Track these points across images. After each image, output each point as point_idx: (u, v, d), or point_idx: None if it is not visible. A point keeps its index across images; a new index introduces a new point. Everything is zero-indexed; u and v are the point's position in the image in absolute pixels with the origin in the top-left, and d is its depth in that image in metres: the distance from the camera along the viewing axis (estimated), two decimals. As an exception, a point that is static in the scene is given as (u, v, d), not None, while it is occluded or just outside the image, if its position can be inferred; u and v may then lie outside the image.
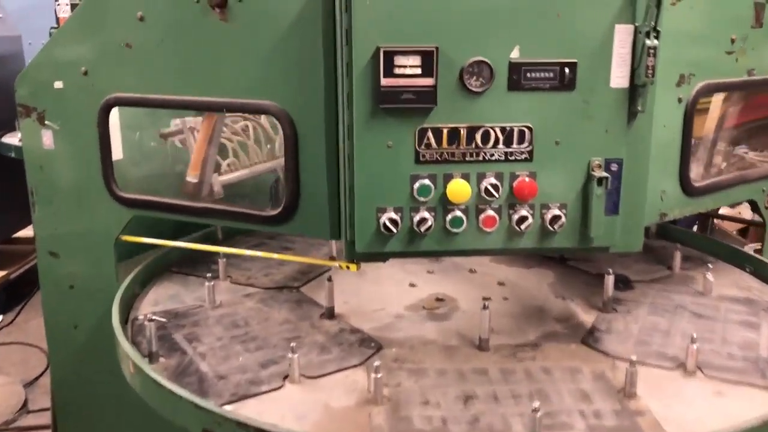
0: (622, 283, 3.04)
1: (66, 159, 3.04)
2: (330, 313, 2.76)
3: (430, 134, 2.23)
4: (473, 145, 2.25)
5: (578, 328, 2.68)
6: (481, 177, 2.27)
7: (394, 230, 2.25)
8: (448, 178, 2.27)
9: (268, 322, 2.72)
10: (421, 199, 2.27)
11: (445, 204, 2.29)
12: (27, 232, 6.68)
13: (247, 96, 2.59)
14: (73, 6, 6.11)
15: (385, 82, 2.15)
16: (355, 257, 2.38)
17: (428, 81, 2.17)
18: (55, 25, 6.23)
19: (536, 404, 1.95)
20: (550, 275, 3.17)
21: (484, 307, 2.49)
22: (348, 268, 2.61)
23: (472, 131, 2.24)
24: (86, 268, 3.14)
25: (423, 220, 2.27)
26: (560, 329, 2.67)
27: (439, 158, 2.26)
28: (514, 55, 2.19)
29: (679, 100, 2.63)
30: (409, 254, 2.37)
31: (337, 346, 2.54)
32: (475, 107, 2.22)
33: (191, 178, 3.04)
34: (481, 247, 2.35)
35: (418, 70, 2.16)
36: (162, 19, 2.67)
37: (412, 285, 3.03)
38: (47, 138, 3.04)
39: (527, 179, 2.27)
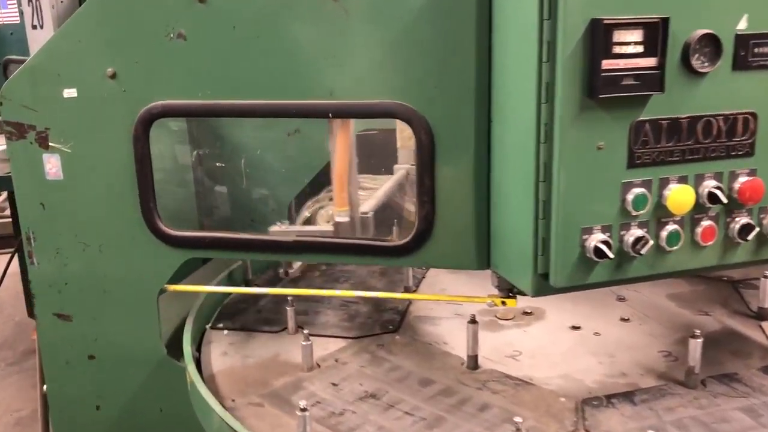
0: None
1: (82, 191, 2.29)
2: (473, 363, 2.21)
3: (648, 129, 1.75)
4: (693, 141, 1.79)
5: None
6: (699, 179, 1.82)
7: (610, 255, 1.75)
8: (663, 183, 1.80)
9: (405, 384, 2.12)
10: (634, 212, 1.78)
11: (659, 217, 1.82)
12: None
13: (367, 96, 1.99)
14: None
15: (606, 64, 1.65)
16: (544, 293, 1.85)
17: (650, 61, 1.69)
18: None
19: None
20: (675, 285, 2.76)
21: (694, 336, 2.04)
22: (504, 303, 2.08)
23: (693, 122, 1.78)
24: (116, 331, 2.40)
25: (639, 240, 1.78)
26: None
27: (655, 159, 1.78)
28: (742, 25, 1.76)
29: None
30: (613, 283, 1.87)
31: (527, 409, 1.99)
32: (696, 93, 1.76)
33: (342, 217, 2.25)
34: (695, 266, 1.89)
35: (640, 48, 1.67)
36: (236, 3, 2.01)
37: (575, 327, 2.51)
38: (52, 165, 2.28)
39: (750, 179, 1.84)
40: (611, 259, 1.76)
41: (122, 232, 2.28)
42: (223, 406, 1.96)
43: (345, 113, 2.02)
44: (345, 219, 2.20)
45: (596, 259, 1.76)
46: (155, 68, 2.11)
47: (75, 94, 2.19)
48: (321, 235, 2.18)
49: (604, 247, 1.75)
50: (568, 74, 1.66)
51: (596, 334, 2.43)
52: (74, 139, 2.24)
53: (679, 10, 1.68)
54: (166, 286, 2.32)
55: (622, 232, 1.79)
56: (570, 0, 1.62)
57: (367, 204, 2.31)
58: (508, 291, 2.05)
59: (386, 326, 2.48)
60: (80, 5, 4.02)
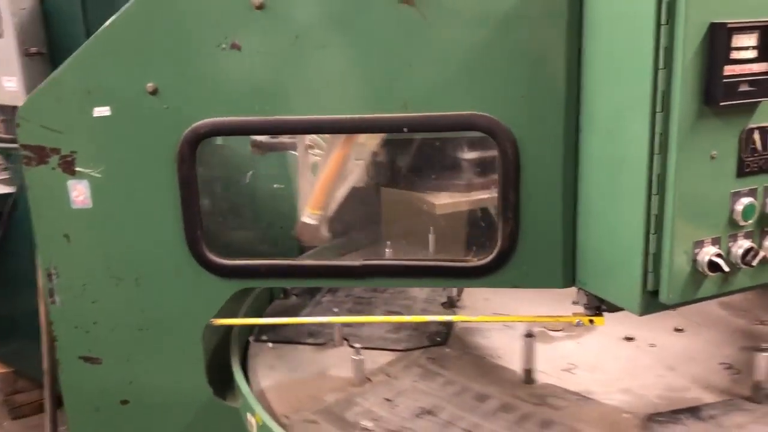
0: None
1: (115, 220, 2.06)
2: (529, 377, 2.11)
3: (756, 137, 1.69)
4: (794, 146, 1.75)
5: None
6: (795, 186, 1.78)
7: (725, 268, 1.68)
8: (767, 192, 1.74)
9: (462, 400, 2.02)
10: (743, 222, 1.72)
11: (762, 226, 1.76)
12: None
13: (444, 107, 1.85)
14: None
15: (729, 70, 1.57)
16: (651, 311, 1.76)
17: (764, 66, 1.62)
18: None
19: None
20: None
21: (761, 349, 1.99)
22: (592, 322, 1.98)
23: (795, 128, 1.73)
24: (154, 373, 2.17)
25: (749, 251, 1.72)
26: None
27: (762, 167, 1.72)
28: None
29: None
30: (718, 296, 1.80)
31: (591, 426, 1.90)
32: (801, 98, 1.71)
33: (310, 218, 2.20)
34: (791, 275, 1.85)
35: (754, 53, 1.61)
36: (298, 9, 1.84)
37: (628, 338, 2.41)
38: (79, 192, 2.04)
39: None
40: (725, 272, 1.69)
41: (163, 263, 2.06)
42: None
43: (421, 127, 1.88)
44: (313, 222, 2.14)
45: (709, 273, 1.69)
46: (204, 82, 1.91)
47: (108, 113, 1.96)
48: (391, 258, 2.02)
49: (719, 261, 1.68)
50: (688, 81, 1.57)
51: (652, 345, 2.37)
52: (106, 163, 2.01)
53: (792, 12, 1.63)
54: (212, 320, 2.11)
55: (730, 244, 1.73)
56: (691, 3, 1.53)
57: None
58: (596, 309, 1.96)
59: (434, 338, 2.36)
60: (43, 14, 3.79)
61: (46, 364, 2.50)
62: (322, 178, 2.14)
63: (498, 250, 1.92)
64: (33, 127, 2.00)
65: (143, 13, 1.90)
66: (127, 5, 1.91)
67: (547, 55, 1.79)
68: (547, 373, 2.17)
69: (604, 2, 1.71)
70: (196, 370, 2.14)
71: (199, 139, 1.93)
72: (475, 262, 1.95)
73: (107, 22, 1.92)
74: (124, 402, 2.20)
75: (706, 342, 2.38)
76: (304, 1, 1.83)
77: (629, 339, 2.40)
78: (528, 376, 2.12)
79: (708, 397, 2.04)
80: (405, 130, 1.87)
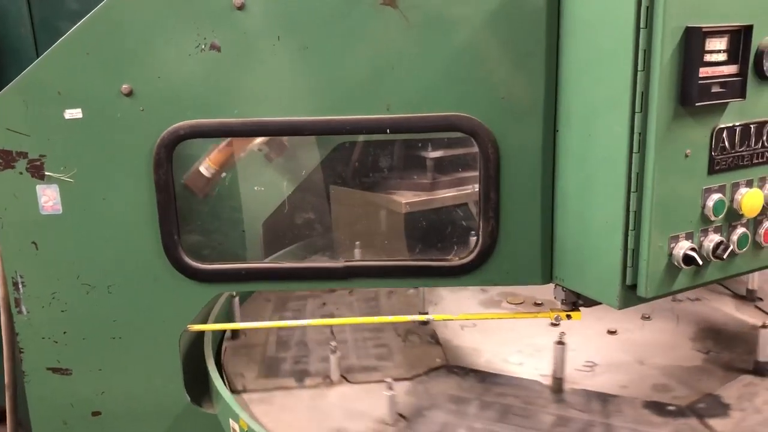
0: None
1: (87, 225, 1.99)
2: (558, 386, 2.12)
3: (725, 136, 1.78)
4: (760, 145, 1.84)
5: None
6: (762, 182, 1.88)
7: (699, 261, 1.76)
8: (734, 188, 1.83)
9: (510, 422, 1.96)
10: (713, 218, 1.80)
11: (730, 221, 1.85)
12: None
13: (427, 109, 1.87)
14: None
15: (703, 72, 1.65)
16: (630, 304, 1.83)
17: (733, 68, 1.71)
18: None
19: None
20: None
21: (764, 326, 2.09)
22: (569, 317, 2.04)
23: (760, 127, 1.83)
24: (128, 382, 2.11)
25: (719, 245, 1.80)
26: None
27: (730, 165, 1.81)
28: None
29: None
30: (688, 288, 1.88)
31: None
32: (763, 98, 1.81)
33: (206, 170, 2.21)
34: (756, 266, 1.95)
35: (724, 56, 1.69)
36: (279, 10, 1.83)
37: (610, 332, 2.47)
38: (49, 197, 1.97)
39: (803, 179, 1.92)
40: (699, 265, 1.76)
41: (138, 269, 2.01)
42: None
43: (404, 128, 1.90)
44: (208, 174, 2.20)
45: (684, 266, 1.76)
46: (182, 84, 1.88)
47: (80, 115, 1.90)
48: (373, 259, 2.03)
49: (694, 254, 1.75)
50: (665, 83, 1.64)
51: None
52: (78, 166, 1.95)
53: (759, 17, 1.71)
54: (189, 326, 2.07)
55: (702, 238, 1.81)
56: (669, 8, 1.60)
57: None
58: (573, 304, 2.02)
59: (434, 360, 2.32)
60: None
61: (7, 378, 2.40)
62: (235, 141, 2.17)
63: (479, 248, 1.95)
64: (-3, 130, 1.92)
65: (118, 11, 1.85)
66: (101, 3, 1.85)
67: (526, 57, 1.83)
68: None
69: (583, 6, 1.77)
70: (172, 378, 2.09)
71: (177, 141, 1.90)
72: (456, 261, 1.98)
73: (81, 21, 1.86)
74: (96, 413, 2.13)
75: (673, 330, 2.47)
76: (287, 1, 1.82)
77: (612, 333, 2.46)
78: (557, 385, 2.11)
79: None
80: (387, 131, 1.88)
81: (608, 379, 2.20)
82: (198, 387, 2.20)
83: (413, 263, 2.00)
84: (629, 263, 1.77)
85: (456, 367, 2.28)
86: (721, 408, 2.01)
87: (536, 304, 2.70)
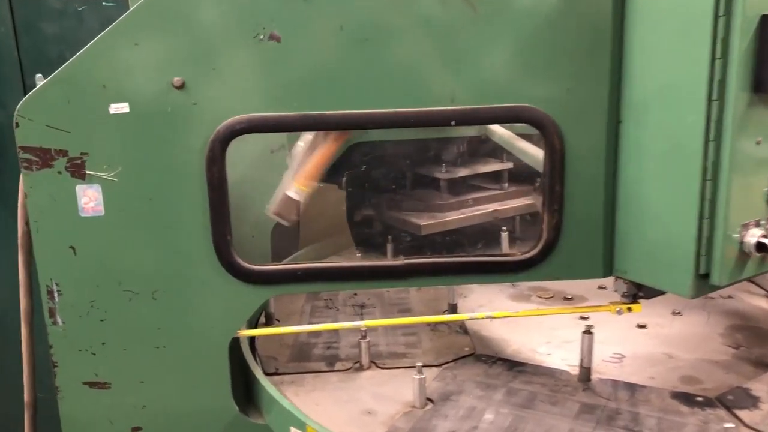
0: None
1: (131, 228, 1.88)
2: (586, 375, 2.11)
3: (791, 122, 1.80)
4: (815, 131, 1.87)
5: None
6: (814, 169, 1.91)
7: (771, 249, 1.77)
8: (791, 175, 1.86)
9: (539, 409, 1.94)
10: (777, 205, 1.82)
11: (793, 208, 1.87)
12: None
13: (491, 101, 1.83)
14: None
15: (780, 60, 1.66)
16: (701, 293, 1.82)
17: (801, 56, 1.74)
18: None
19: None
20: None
21: None
22: (630, 310, 2.03)
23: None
24: (172, 394, 1.99)
25: (786, 232, 1.82)
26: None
27: (790, 153, 1.83)
28: None
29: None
30: (755, 276, 1.90)
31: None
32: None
33: (295, 193, 2.08)
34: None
35: (793, 44, 1.72)
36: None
37: (640, 326, 2.46)
38: (90, 198, 1.84)
39: None
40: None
41: (185, 272, 1.90)
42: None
43: (469, 119, 1.86)
44: (297, 197, 2.07)
45: (756, 253, 1.77)
46: (238, 76, 1.79)
47: (126, 110, 1.79)
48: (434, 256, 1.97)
49: (766, 241, 1.76)
50: (741, 71, 1.65)
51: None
52: (122, 164, 1.83)
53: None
54: (238, 332, 1.97)
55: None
56: (749, -5, 1.62)
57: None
58: (633, 297, 2.01)
59: (462, 348, 2.31)
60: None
61: (27, 397, 2.22)
62: (319, 154, 2.05)
63: (544, 242, 1.92)
64: (35, 127, 1.79)
65: None
66: (151, -9, 1.75)
67: (592, 47, 1.82)
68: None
69: (651, -3, 1.77)
70: (219, 388, 1.98)
71: (232, 136, 1.80)
72: (519, 255, 1.94)
73: (130, 10, 1.75)
74: (136, 429, 2.00)
75: (704, 323, 2.49)
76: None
77: (642, 327, 2.46)
78: (585, 375, 2.09)
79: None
80: (453, 123, 1.84)
81: (636, 370, 2.19)
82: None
83: (474, 259, 1.96)
84: (703, 252, 1.77)
85: (484, 356, 2.28)
86: (750, 400, 2.01)
87: (566, 299, 2.71)
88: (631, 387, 2.07)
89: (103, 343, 1.94)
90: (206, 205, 1.84)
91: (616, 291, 2.03)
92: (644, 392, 2.04)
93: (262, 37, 1.76)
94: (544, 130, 1.85)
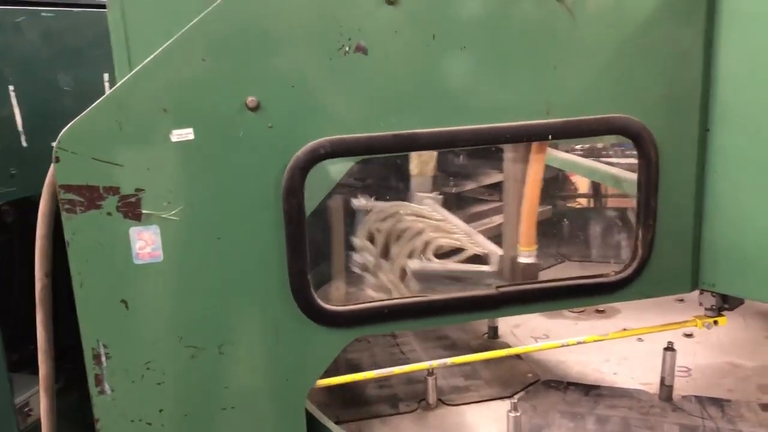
0: None
1: (194, 273, 1.60)
2: (668, 394, 2.03)
3: None
4: None
5: None
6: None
7: None
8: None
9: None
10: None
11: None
12: None
13: (585, 112, 1.71)
14: None
15: None
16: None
17: None
18: None
19: None
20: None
21: None
22: (716, 323, 1.96)
23: None
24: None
25: None
26: None
27: None
28: None
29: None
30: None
31: None
32: None
33: (528, 257, 1.95)
34: None
35: None
36: (434, 5, 1.58)
37: (686, 335, 2.41)
38: (146, 242, 1.56)
39: None
40: None
41: (258, 320, 1.65)
42: None
43: (567, 133, 1.72)
44: (532, 260, 1.89)
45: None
46: (320, 93, 1.57)
47: (191, 136, 1.53)
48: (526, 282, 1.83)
49: None
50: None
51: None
52: (185, 200, 1.56)
53: None
54: (318, 381, 1.74)
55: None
56: None
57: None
58: (718, 310, 1.95)
59: (525, 375, 2.19)
60: None
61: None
62: (527, 208, 1.90)
63: (639, 260, 1.82)
64: (80, 162, 1.49)
65: (241, 6, 1.51)
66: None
67: (686, 53, 1.74)
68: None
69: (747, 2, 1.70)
70: (296, 442, 1.74)
71: (314, 162, 1.58)
72: (613, 276, 1.83)
73: (192, 22, 1.49)
74: (200, 500, 1.72)
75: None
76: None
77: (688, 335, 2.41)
78: (667, 393, 2.04)
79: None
80: (549, 137, 1.70)
81: (709, 383, 2.16)
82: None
83: (570, 283, 1.82)
84: (776, 262, 1.73)
85: (552, 381, 2.19)
86: None
87: (598, 311, 2.65)
88: (717, 402, 2.02)
89: (160, 411, 1.65)
90: (282, 241, 1.61)
91: (701, 304, 1.96)
92: (733, 407, 1.99)
93: (347, 49, 1.55)
94: (640, 141, 1.74)
